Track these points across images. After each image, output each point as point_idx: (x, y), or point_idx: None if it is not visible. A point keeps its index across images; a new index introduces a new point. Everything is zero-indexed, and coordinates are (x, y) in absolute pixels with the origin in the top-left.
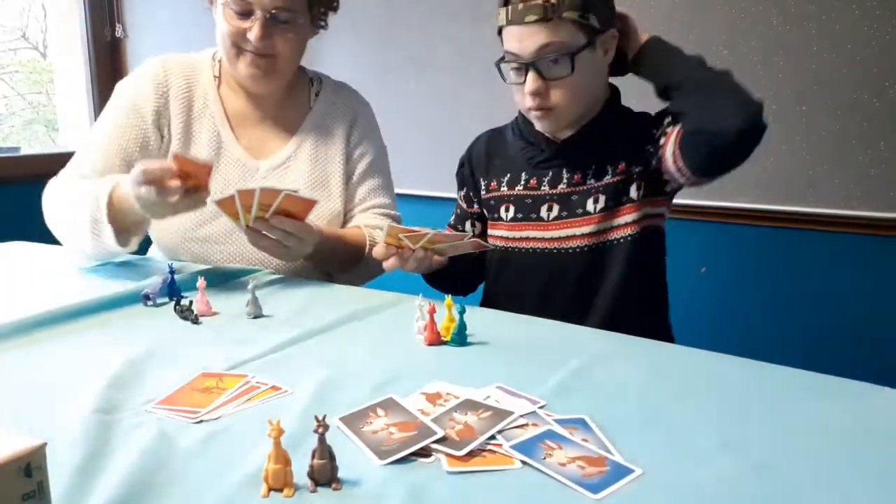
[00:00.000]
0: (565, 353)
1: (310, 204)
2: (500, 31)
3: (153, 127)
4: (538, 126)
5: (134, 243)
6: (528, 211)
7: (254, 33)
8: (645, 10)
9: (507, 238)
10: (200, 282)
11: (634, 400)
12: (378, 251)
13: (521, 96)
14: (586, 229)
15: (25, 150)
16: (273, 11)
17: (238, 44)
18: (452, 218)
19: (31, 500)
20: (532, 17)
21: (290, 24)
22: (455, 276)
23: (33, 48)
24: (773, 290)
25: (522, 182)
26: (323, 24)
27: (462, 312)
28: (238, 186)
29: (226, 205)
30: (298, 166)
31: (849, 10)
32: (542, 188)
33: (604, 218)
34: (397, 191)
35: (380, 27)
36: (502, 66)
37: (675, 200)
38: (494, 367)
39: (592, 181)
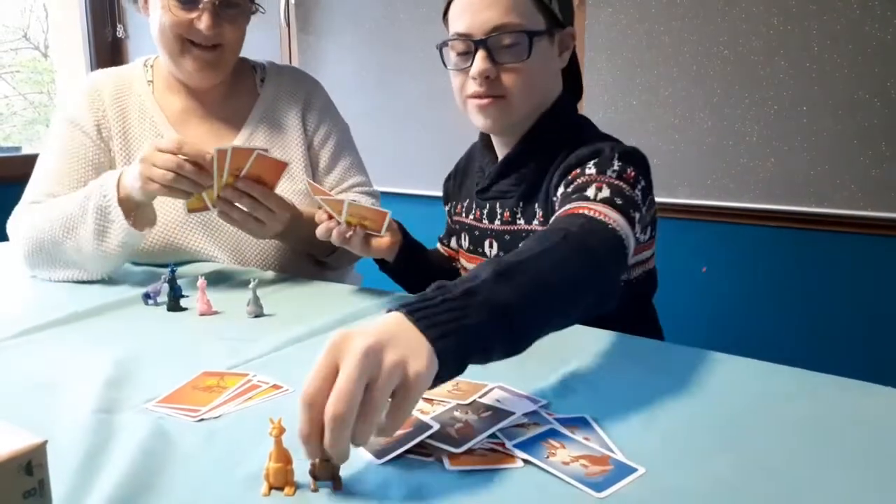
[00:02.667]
0: (566, 352)
1: (281, 166)
2: (446, 11)
3: (98, 140)
4: (480, 121)
5: (147, 231)
6: (476, 244)
7: (203, 23)
8: (645, 11)
9: (465, 268)
10: (201, 281)
11: (635, 399)
12: (316, 217)
13: (461, 84)
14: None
15: (26, 150)
16: None
17: (183, 36)
18: (444, 232)
19: (32, 497)
20: None
21: (237, 10)
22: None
23: (35, 48)
24: (774, 290)
25: (472, 211)
26: (258, 8)
27: None
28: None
29: None
30: None
31: (850, 10)
32: (484, 221)
33: None
34: (397, 190)
35: (380, 27)
36: (444, 49)
37: (675, 200)
38: (495, 367)
39: (521, 222)
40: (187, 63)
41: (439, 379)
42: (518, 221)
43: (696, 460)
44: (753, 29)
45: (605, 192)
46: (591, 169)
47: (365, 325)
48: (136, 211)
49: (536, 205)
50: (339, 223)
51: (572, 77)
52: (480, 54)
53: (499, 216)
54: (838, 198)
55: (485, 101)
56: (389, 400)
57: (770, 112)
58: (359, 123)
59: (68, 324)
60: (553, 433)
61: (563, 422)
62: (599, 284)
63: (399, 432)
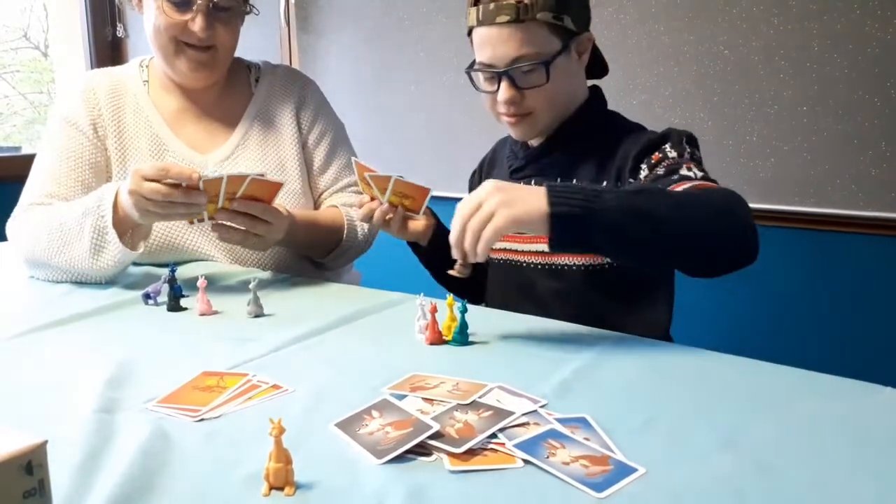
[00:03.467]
0: (566, 352)
1: (276, 186)
2: (469, 33)
3: (94, 139)
4: (512, 133)
5: (142, 246)
6: None
7: (197, 24)
8: (645, 10)
9: (493, 249)
10: (201, 281)
11: (635, 399)
12: (358, 200)
13: (492, 104)
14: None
15: (26, 150)
16: (215, 0)
17: (177, 38)
18: None
19: (33, 497)
20: (504, 18)
21: (230, 12)
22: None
23: (35, 48)
24: (773, 290)
25: None
26: (252, 9)
27: (464, 312)
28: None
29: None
30: (248, 154)
31: (850, 10)
32: None
33: None
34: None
35: (380, 27)
36: (472, 73)
37: None
38: (496, 367)
39: None
40: (181, 64)
41: (558, 243)
42: None
43: (696, 460)
44: (753, 29)
45: (698, 171)
46: (672, 152)
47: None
48: (134, 228)
49: (575, 180)
50: (381, 204)
51: (593, 57)
52: (504, 84)
53: None
54: (838, 198)
55: (514, 118)
56: None
57: (770, 112)
58: (358, 122)
59: (68, 324)
60: (553, 433)
61: (564, 422)
62: (736, 223)
63: (399, 432)
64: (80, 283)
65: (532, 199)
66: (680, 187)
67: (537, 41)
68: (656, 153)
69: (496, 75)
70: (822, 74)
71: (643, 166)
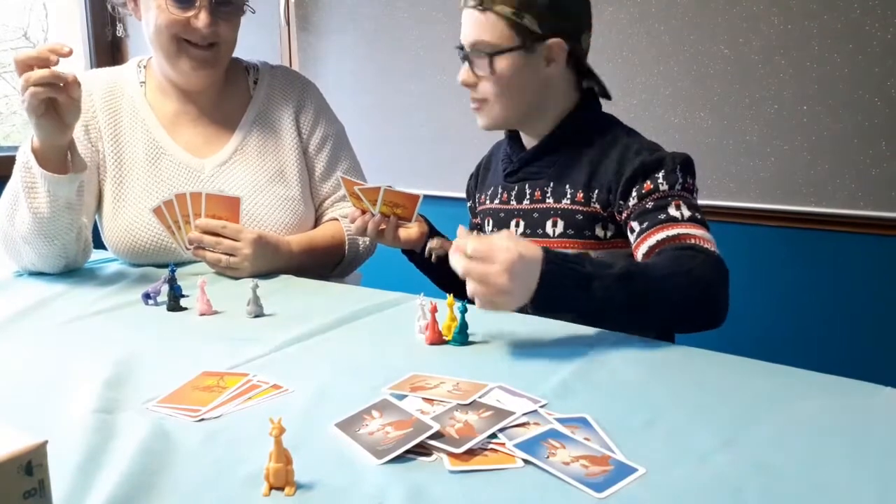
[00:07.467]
0: (566, 352)
1: (234, 202)
2: None
3: (85, 141)
4: (478, 121)
5: (75, 180)
6: (501, 225)
7: (201, 20)
8: (645, 10)
9: None
10: (201, 281)
11: (635, 399)
12: (349, 214)
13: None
14: None
15: None
16: None
17: (179, 36)
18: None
19: (33, 497)
20: (471, 3)
21: (232, 7)
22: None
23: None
24: (773, 290)
25: (498, 196)
26: (249, 8)
27: (464, 312)
28: (185, 189)
29: (160, 216)
30: (247, 160)
31: (850, 9)
32: (511, 202)
33: (563, 245)
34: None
35: (380, 26)
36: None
37: None
38: (496, 367)
39: (550, 201)
40: (183, 63)
41: (535, 307)
42: (547, 200)
43: (696, 460)
44: (753, 28)
45: (686, 211)
46: (663, 184)
47: (518, 245)
48: (58, 159)
49: (567, 185)
50: (373, 215)
51: (594, 80)
52: (464, 65)
53: (528, 196)
54: (838, 197)
55: (473, 104)
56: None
57: (770, 112)
58: (358, 122)
59: (68, 324)
60: (553, 433)
61: (564, 422)
62: (710, 306)
63: (399, 432)
64: (82, 281)
65: (525, 291)
66: (663, 233)
67: (494, 32)
68: (648, 182)
69: (464, 56)
70: (821, 74)
71: (633, 192)
